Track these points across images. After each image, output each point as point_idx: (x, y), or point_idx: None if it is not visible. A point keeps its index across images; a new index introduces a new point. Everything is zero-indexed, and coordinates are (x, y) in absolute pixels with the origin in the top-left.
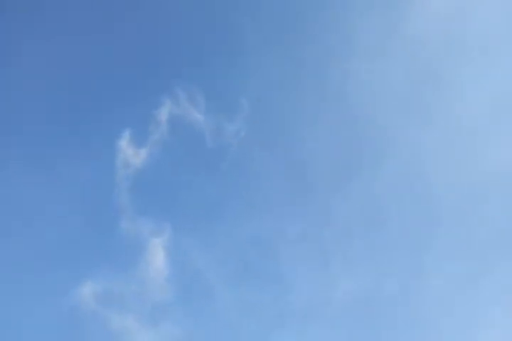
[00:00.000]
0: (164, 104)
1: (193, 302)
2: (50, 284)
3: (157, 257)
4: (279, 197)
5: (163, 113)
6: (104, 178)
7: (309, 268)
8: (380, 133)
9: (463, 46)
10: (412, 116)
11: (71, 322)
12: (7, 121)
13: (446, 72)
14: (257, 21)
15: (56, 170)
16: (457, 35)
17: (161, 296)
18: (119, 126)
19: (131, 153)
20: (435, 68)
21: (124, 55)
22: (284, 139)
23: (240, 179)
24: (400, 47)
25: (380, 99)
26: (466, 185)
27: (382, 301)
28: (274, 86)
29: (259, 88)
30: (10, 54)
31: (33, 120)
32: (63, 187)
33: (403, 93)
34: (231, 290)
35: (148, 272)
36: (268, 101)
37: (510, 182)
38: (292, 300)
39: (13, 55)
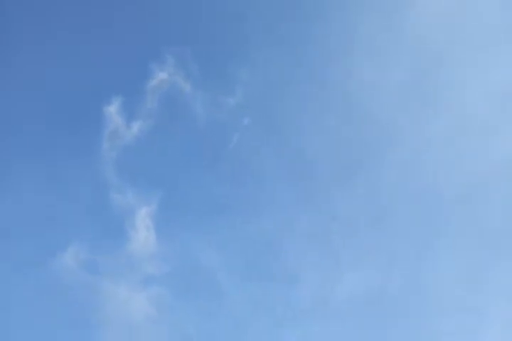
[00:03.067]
0: (156, 73)
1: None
2: (33, 251)
3: (145, 228)
4: (284, 192)
5: (155, 82)
6: (91, 147)
7: (316, 265)
8: (382, 129)
9: (464, 43)
10: (414, 113)
11: (56, 288)
12: None
13: (448, 70)
14: (260, 14)
15: (42, 136)
16: (458, 32)
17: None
18: (109, 94)
19: (119, 123)
20: (436, 66)
21: (111, 17)
22: (287, 134)
23: (238, 169)
24: (401, 44)
25: (382, 96)
26: (469, 180)
27: (389, 297)
28: (275, 80)
29: (260, 73)
30: None
31: (19, 85)
32: (49, 155)
33: (405, 90)
34: (228, 282)
35: (136, 243)
36: (269, 92)
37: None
38: (299, 297)
39: None
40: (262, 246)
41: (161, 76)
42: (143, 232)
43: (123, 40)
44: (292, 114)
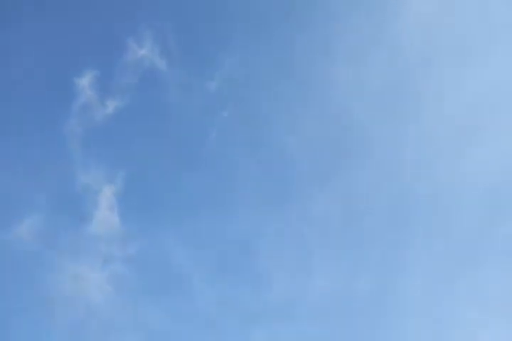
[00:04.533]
0: (133, 48)
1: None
2: None
3: (108, 208)
4: (256, 192)
5: (131, 58)
6: (59, 120)
7: (287, 266)
8: (361, 131)
9: (444, 50)
10: (393, 115)
11: (7, 259)
12: None
13: (428, 72)
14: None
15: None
16: (438, 38)
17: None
18: (81, 67)
19: (90, 97)
20: (417, 67)
21: None
22: (265, 131)
23: (212, 163)
24: (381, 49)
25: (361, 100)
26: (445, 182)
27: (359, 299)
28: (255, 73)
29: (241, 62)
30: None
31: None
32: (13, 128)
33: (384, 91)
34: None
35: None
36: (248, 83)
37: (488, 181)
38: (269, 297)
39: None
40: (233, 244)
41: (137, 52)
42: (106, 211)
43: (100, 12)
44: (271, 111)
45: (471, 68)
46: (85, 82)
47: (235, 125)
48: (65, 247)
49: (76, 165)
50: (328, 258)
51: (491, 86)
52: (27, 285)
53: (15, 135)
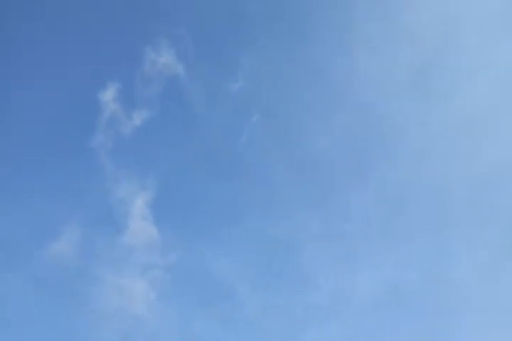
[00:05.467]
0: (150, 58)
1: None
2: (27, 238)
3: (142, 217)
4: (294, 194)
5: (149, 68)
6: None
7: (332, 265)
8: (390, 125)
9: (464, 34)
10: (421, 107)
11: (51, 275)
12: None
13: (451, 62)
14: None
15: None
16: (458, 23)
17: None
18: (103, 81)
19: (115, 110)
20: (440, 58)
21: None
22: (295, 132)
23: (245, 169)
24: (402, 37)
25: (387, 92)
26: (480, 171)
27: (409, 293)
28: (278, 71)
29: (263, 61)
30: None
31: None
32: (44, 147)
33: (410, 84)
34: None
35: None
36: (272, 84)
37: None
38: (316, 299)
39: None
40: (275, 248)
41: (156, 60)
42: (141, 222)
43: (113, 23)
44: (298, 112)
45: (494, 51)
46: (109, 95)
47: (264, 128)
48: (105, 259)
49: (108, 178)
50: (373, 255)
51: None
52: (72, 299)
53: (45, 153)
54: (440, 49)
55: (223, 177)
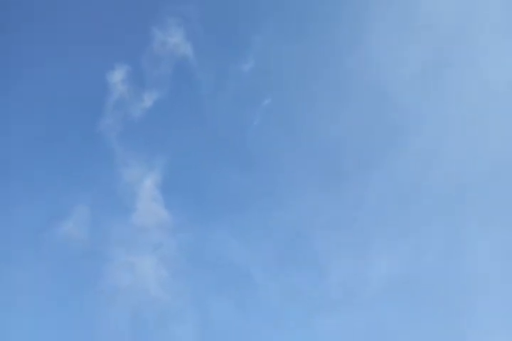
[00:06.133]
0: (158, 38)
1: None
2: (36, 219)
3: (151, 198)
4: (306, 181)
5: (158, 48)
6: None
7: (345, 252)
8: (403, 115)
9: (475, 28)
10: (434, 98)
11: (61, 255)
12: None
13: (466, 53)
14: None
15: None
16: (469, 17)
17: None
18: (112, 63)
19: (123, 92)
20: (455, 50)
21: None
22: (304, 119)
23: (256, 155)
24: (414, 31)
25: (401, 83)
26: (493, 162)
27: (421, 279)
28: (289, 54)
29: (273, 43)
30: None
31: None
32: (54, 129)
33: (424, 76)
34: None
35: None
36: (284, 67)
37: None
38: (330, 285)
39: None
40: (286, 233)
41: (165, 41)
42: (151, 202)
43: (120, 3)
44: (310, 97)
45: (506, 43)
46: (117, 77)
47: (275, 113)
48: (115, 239)
49: (117, 160)
50: (386, 242)
51: None
52: (83, 278)
53: (54, 136)
54: (458, 38)
55: (233, 161)
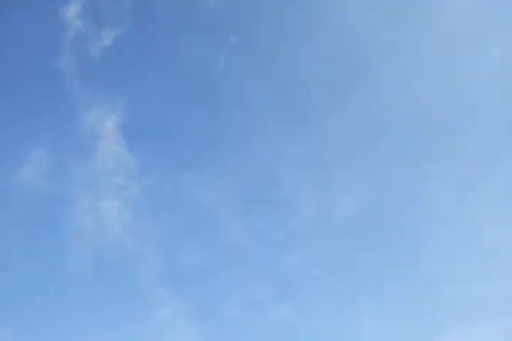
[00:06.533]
0: None
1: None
2: None
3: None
4: (272, 119)
5: None
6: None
7: (312, 189)
8: (373, 47)
9: None
10: (403, 27)
11: (20, 197)
12: None
13: None
14: None
15: None
16: None
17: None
18: None
19: (80, 28)
20: None
21: None
22: (272, 57)
23: (223, 92)
24: None
25: (371, 13)
26: (463, 90)
27: (385, 212)
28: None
29: None
30: None
31: None
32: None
33: (393, 4)
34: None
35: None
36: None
37: (506, 84)
38: (296, 223)
39: None
40: (254, 174)
41: None
42: (111, 144)
43: None
44: (278, 34)
45: None
46: (72, 12)
47: (242, 51)
48: (76, 182)
49: (76, 101)
50: (351, 179)
51: None
52: (44, 221)
53: (7, 74)
54: None
55: (199, 101)
